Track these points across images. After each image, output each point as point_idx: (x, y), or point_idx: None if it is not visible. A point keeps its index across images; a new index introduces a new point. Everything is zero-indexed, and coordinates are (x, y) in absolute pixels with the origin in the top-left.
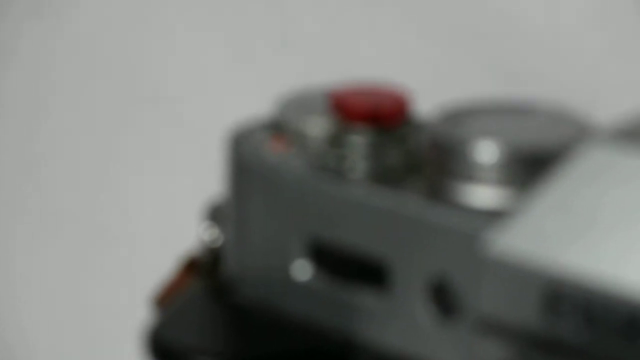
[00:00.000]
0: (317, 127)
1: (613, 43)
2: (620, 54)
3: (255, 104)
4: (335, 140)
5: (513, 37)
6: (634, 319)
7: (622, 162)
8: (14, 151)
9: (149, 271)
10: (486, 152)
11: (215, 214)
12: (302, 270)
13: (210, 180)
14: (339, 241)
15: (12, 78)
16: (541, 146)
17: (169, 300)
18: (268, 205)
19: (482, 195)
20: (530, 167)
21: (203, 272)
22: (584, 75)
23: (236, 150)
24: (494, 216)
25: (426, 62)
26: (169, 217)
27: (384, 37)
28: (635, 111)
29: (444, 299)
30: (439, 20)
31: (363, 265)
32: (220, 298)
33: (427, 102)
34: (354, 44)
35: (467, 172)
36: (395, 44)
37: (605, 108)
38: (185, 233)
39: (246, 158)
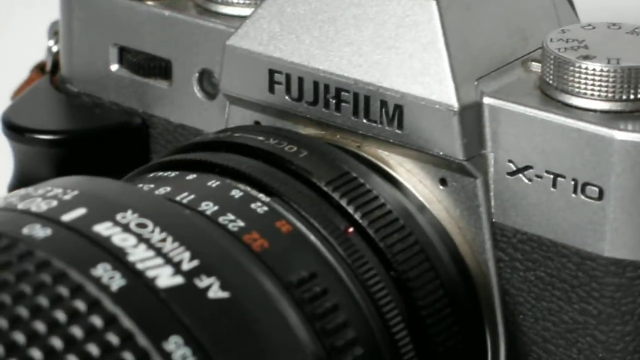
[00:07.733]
0: None
1: None
2: None
3: None
4: None
5: None
6: (325, 88)
7: None
8: None
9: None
10: None
11: (56, 31)
12: (114, 67)
13: (53, 11)
14: (139, 46)
15: None
16: None
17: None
18: (87, 21)
19: (230, 7)
20: None
21: (47, 72)
22: None
23: None
24: (238, 21)
25: None
26: (29, 38)
27: None
28: None
29: (208, 82)
30: None
31: (155, 62)
32: (57, 90)
33: None
34: None
35: None
36: None
37: None
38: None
39: None
